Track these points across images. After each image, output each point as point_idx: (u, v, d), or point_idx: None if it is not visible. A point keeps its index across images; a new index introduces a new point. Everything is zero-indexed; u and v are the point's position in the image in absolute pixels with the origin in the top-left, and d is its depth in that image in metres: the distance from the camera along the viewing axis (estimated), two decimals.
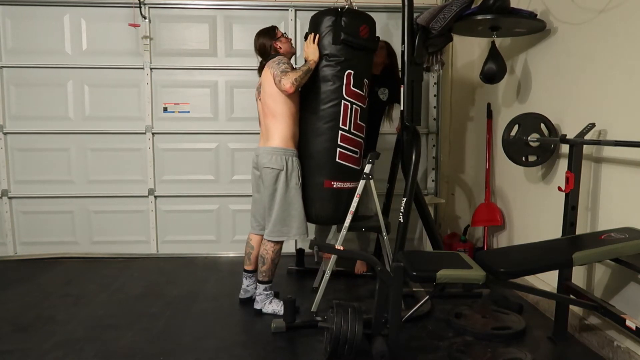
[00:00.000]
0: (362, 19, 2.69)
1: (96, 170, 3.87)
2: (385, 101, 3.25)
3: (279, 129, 2.64)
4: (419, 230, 4.06)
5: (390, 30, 3.88)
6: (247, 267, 2.90)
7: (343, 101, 2.66)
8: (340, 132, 2.68)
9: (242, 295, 2.91)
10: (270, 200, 2.65)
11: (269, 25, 2.83)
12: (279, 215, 2.64)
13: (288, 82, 2.49)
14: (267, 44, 2.73)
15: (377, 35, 2.79)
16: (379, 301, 2.13)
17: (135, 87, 3.83)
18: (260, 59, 2.79)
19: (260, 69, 2.76)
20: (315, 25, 2.70)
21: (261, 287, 2.74)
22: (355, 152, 2.75)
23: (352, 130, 2.70)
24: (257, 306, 2.76)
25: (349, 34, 2.62)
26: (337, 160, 2.69)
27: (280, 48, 2.74)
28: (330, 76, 2.65)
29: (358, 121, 2.72)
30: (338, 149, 2.69)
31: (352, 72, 2.66)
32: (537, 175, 2.93)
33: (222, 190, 3.96)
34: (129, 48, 3.79)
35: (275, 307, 2.71)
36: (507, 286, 2.30)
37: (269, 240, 2.69)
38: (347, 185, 2.75)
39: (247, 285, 2.91)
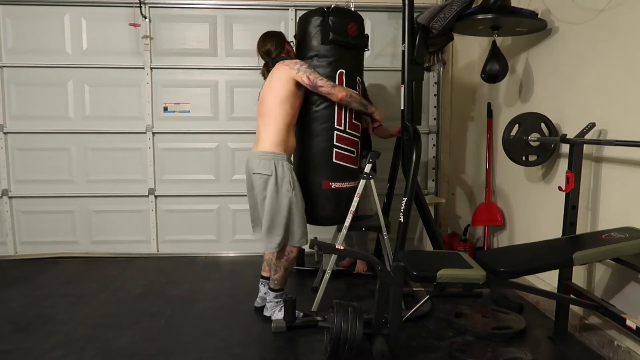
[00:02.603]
0: (349, 18, 2.67)
1: (96, 169, 3.87)
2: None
3: (269, 132, 2.52)
4: (419, 229, 4.06)
5: (390, 29, 3.88)
6: (264, 274, 2.81)
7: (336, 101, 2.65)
8: (335, 132, 2.66)
9: (259, 303, 2.79)
10: (261, 206, 2.55)
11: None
12: (270, 223, 2.50)
13: (342, 92, 2.53)
14: (279, 46, 2.62)
15: (366, 32, 2.77)
16: (380, 301, 2.13)
17: (135, 86, 3.83)
18: (262, 61, 2.69)
19: (266, 71, 2.66)
20: (303, 26, 2.69)
21: (272, 294, 2.64)
22: (352, 152, 2.74)
23: (347, 130, 2.69)
24: (267, 313, 2.68)
25: (338, 33, 2.60)
26: (334, 160, 2.68)
27: (290, 52, 2.70)
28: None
29: (353, 120, 2.71)
30: (334, 150, 2.67)
31: (344, 71, 2.65)
32: (538, 174, 2.92)
33: (223, 190, 3.96)
34: (129, 48, 3.79)
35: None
36: (507, 286, 2.29)
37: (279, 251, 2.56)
38: (346, 185, 2.74)
39: (265, 293, 2.77)
